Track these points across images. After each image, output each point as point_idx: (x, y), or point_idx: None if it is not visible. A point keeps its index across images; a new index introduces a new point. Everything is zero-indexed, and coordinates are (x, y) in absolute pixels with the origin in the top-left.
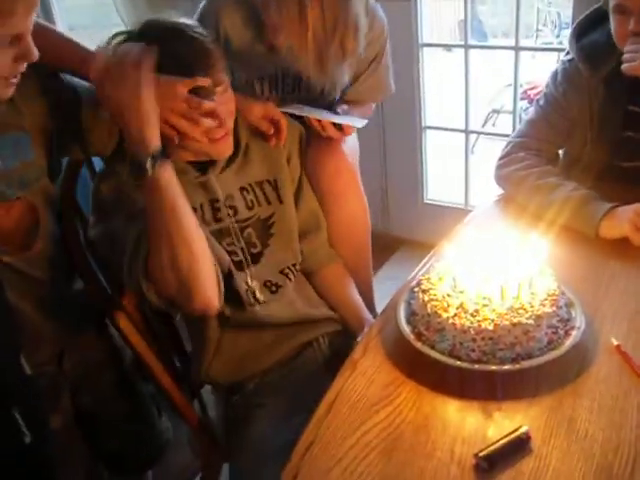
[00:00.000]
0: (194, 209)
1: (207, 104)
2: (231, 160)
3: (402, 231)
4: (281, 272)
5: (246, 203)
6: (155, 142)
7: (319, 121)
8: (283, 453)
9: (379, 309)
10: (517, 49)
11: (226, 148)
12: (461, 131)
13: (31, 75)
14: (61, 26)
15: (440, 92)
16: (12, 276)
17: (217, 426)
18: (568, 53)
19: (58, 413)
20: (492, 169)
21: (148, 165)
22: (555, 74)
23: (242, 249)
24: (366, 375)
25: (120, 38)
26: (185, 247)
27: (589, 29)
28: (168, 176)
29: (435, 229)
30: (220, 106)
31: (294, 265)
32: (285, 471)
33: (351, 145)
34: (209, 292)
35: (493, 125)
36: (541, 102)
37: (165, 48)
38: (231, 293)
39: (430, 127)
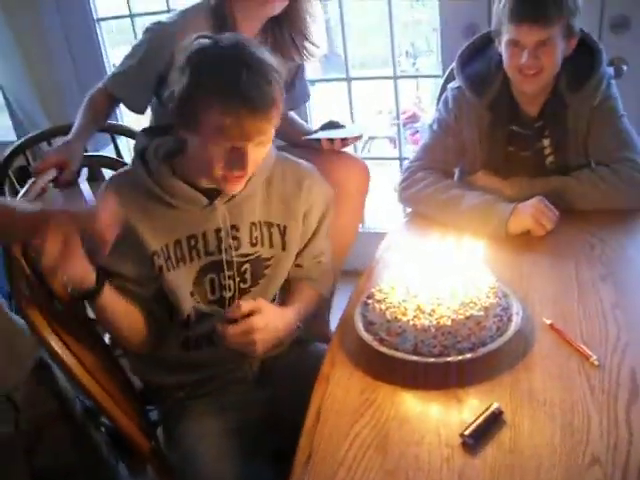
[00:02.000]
0: (194, 237)
1: (242, 143)
2: (249, 193)
3: None
4: None
5: (250, 239)
6: (89, 282)
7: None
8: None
9: None
10: (395, 78)
11: (236, 188)
12: None
13: None
14: None
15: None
16: None
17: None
18: (449, 79)
19: (13, 476)
20: (394, 193)
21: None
22: (445, 100)
23: (235, 283)
24: (341, 385)
25: (210, 49)
26: (119, 332)
27: (471, 59)
28: (104, 300)
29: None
30: (251, 156)
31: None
32: None
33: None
34: (140, 349)
35: (369, 151)
36: (434, 127)
37: (228, 72)
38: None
39: None
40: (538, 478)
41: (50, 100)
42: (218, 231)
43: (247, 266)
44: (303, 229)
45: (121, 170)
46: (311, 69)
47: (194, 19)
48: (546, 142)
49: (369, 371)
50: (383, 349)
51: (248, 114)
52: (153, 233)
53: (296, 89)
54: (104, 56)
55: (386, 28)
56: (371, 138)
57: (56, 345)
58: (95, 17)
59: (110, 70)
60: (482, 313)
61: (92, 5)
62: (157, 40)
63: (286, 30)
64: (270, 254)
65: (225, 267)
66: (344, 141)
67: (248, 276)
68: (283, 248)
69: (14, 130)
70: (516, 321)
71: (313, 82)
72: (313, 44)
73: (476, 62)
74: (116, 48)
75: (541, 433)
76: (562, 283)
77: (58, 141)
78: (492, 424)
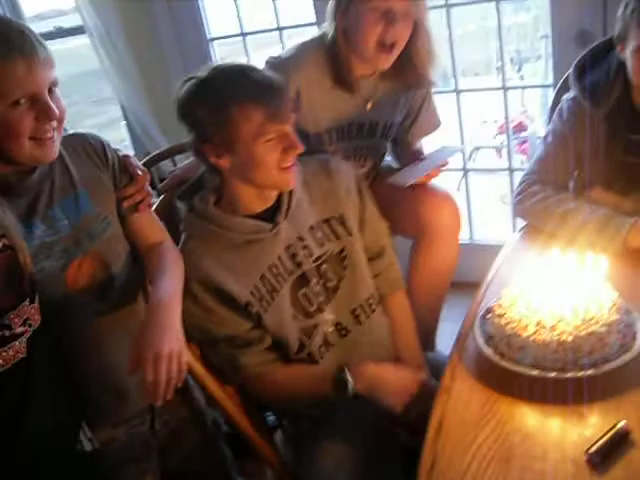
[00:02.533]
0: (274, 265)
1: (284, 126)
2: (297, 200)
3: None
4: (352, 312)
5: (316, 241)
6: None
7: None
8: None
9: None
10: (505, 89)
11: (292, 178)
12: (459, 170)
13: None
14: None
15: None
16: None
17: (291, 464)
18: (562, 90)
19: (150, 475)
20: (501, 204)
21: None
22: (560, 111)
23: (322, 288)
24: (461, 398)
25: (195, 81)
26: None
27: (589, 69)
28: None
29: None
30: (293, 134)
31: (367, 300)
32: None
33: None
34: None
35: (474, 161)
36: (548, 139)
37: (244, 77)
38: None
39: None
40: None
41: (166, 116)
42: (288, 248)
43: (325, 266)
44: (349, 205)
45: (183, 239)
46: None
47: (312, 55)
48: None
49: (489, 385)
50: (504, 364)
51: (277, 97)
52: (239, 282)
53: (420, 117)
54: None
55: (485, 34)
56: (476, 148)
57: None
58: (209, 37)
59: None
60: (604, 329)
61: (206, 25)
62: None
63: (407, 63)
64: (340, 245)
65: (309, 277)
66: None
67: (331, 274)
68: (349, 234)
69: (132, 144)
70: None
71: None
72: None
73: (594, 71)
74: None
75: None
76: None
77: (182, 159)
78: (619, 443)
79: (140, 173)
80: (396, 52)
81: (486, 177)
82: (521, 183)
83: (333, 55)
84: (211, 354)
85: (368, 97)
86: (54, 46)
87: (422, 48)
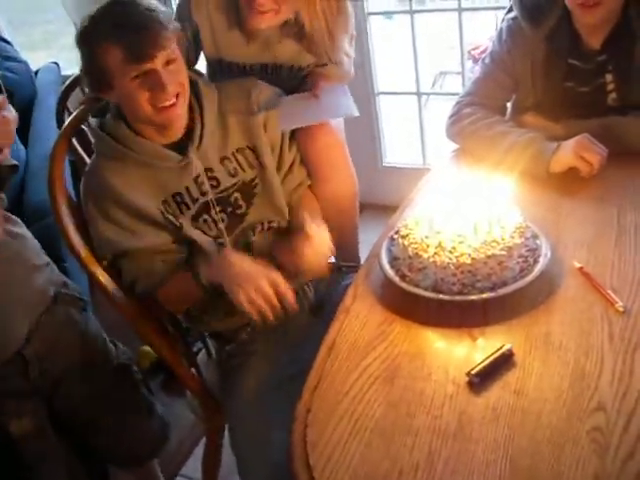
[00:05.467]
0: (179, 194)
1: (146, 64)
2: (209, 133)
3: (364, 196)
4: (252, 229)
5: (228, 171)
6: None
7: None
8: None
9: None
10: (460, 10)
11: (174, 118)
12: (413, 94)
13: None
14: (3, 23)
15: (389, 58)
16: None
17: (214, 387)
18: (510, 11)
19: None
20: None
21: None
22: (500, 32)
23: (221, 219)
24: (359, 318)
25: (84, 18)
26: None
27: None
28: None
29: (396, 191)
30: (165, 74)
31: (271, 222)
32: (298, 407)
33: (338, 120)
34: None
35: (440, 87)
36: (486, 60)
37: (110, 15)
38: None
39: (382, 92)
40: (538, 420)
41: None
42: (197, 178)
43: (236, 195)
44: (267, 136)
45: (93, 156)
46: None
47: None
48: (609, 77)
49: (389, 306)
50: (403, 285)
51: (135, 34)
52: (145, 197)
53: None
54: None
55: None
56: (442, 73)
57: (102, 277)
58: None
59: None
60: (504, 253)
61: None
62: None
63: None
64: (252, 175)
65: (212, 205)
66: None
67: (241, 202)
68: (262, 165)
69: None
70: (542, 263)
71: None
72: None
73: None
74: None
75: (550, 377)
76: (600, 226)
77: None
78: (501, 365)
79: None
80: (269, 16)
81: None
82: (455, 105)
83: None
84: (124, 265)
85: (267, 44)
86: None
87: (318, 26)
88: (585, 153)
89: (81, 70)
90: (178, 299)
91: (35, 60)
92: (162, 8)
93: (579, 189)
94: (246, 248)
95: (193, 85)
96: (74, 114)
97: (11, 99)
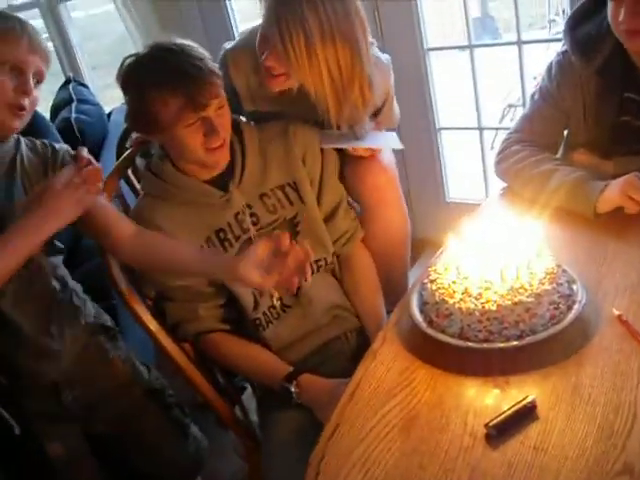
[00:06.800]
0: (222, 230)
1: (203, 112)
2: (250, 170)
3: (427, 232)
4: None
5: (267, 208)
6: None
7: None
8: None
9: None
10: (520, 43)
11: (221, 158)
12: (474, 129)
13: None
14: (85, 67)
15: (456, 91)
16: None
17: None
18: (564, 44)
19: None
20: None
21: None
22: (550, 67)
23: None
24: (385, 363)
25: (130, 60)
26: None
27: (583, 20)
28: None
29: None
30: (217, 120)
31: (318, 261)
32: (313, 454)
33: (389, 157)
34: None
35: (511, 120)
36: (535, 96)
37: (164, 63)
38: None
39: (444, 128)
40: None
41: None
42: (237, 215)
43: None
44: (306, 170)
45: (140, 196)
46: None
47: (242, 51)
48: None
49: (415, 352)
50: (429, 331)
51: (193, 84)
52: (188, 236)
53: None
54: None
55: None
56: (511, 106)
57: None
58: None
59: None
60: (532, 299)
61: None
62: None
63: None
64: (293, 212)
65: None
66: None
67: None
68: (302, 201)
69: None
70: (576, 310)
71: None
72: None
73: (587, 23)
74: None
75: (574, 433)
76: None
77: None
78: (523, 417)
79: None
80: (281, 79)
81: None
82: (503, 142)
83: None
84: (169, 307)
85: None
86: None
87: (320, 91)
88: (634, 193)
89: (129, 112)
90: (241, 372)
91: (114, 99)
92: (208, 56)
93: (627, 230)
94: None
95: (235, 124)
96: (123, 156)
97: (82, 142)
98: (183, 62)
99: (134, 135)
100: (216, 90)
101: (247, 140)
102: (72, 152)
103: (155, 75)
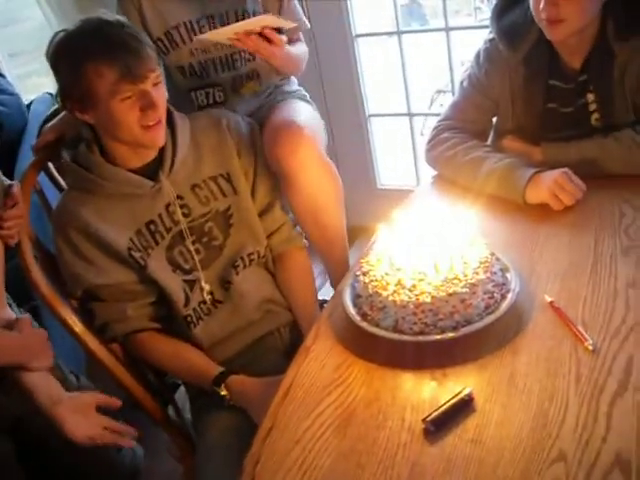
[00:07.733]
0: (153, 222)
1: (140, 85)
2: (181, 160)
3: (360, 220)
4: (233, 266)
5: (199, 200)
6: None
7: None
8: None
9: None
10: (447, 30)
11: (158, 137)
12: (404, 115)
13: None
14: (1, 55)
15: (385, 78)
16: None
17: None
18: (491, 32)
19: None
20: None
21: None
22: (478, 54)
23: (196, 250)
24: (318, 359)
25: (62, 34)
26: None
27: (509, 8)
28: None
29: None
30: (155, 94)
31: (251, 254)
32: (247, 458)
33: (305, 117)
34: None
35: (440, 105)
36: (464, 83)
37: (99, 34)
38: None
39: (374, 115)
40: (494, 473)
41: None
42: (168, 206)
43: (210, 224)
44: (241, 163)
45: (65, 190)
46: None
47: None
48: (590, 97)
49: (350, 347)
50: (363, 324)
51: (131, 55)
52: (116, 230)
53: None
54: None
55: None
56: (439, 92)
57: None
58: None
59: None
60: (467, 290)
61: None
62: None
63: None
64: (226, 204)
65: (186, 235)
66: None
67: (217, 232)
68: (235, 192)
69: None
70: (510, 298)
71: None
72: None
73: (512, 12)
74: None
75: (510, 423)
76: (576, 255)
77: None
78: (460, 410)
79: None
80: None
81: None
82: (433, 129)
83: None
84: (96, 307)
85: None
86: None
87: None
88: (560, 193)
89: (59, 88)
90: (165, 363)
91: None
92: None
93: (558, 214)
94: (225, 287)
95: (167, 114)
96: (32, 160)
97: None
98: (120, 33)
99: (43, 133)
100: (153, 64)
101: (178, 128)
102: (6, 183)
103: (90, 45)
